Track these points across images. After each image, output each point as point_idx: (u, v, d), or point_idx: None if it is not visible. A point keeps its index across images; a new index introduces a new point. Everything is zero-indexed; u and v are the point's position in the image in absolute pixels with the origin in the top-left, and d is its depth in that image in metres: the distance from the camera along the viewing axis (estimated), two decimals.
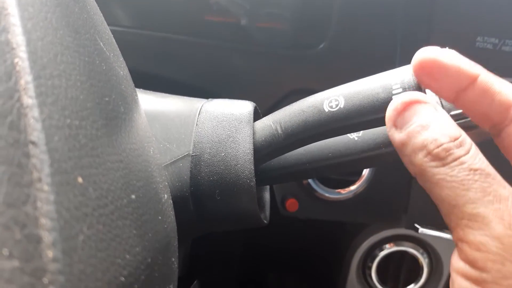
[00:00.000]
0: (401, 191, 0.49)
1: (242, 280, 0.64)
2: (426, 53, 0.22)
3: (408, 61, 0.45)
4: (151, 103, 0.32)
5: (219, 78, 0.45)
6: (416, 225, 0.50)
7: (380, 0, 0.43)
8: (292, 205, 0.46)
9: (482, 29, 0.43)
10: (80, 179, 0.14)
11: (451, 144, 0.19)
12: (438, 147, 0.19)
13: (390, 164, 0.34)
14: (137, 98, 0.25)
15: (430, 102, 0.21)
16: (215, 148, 0.29)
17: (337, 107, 0.27)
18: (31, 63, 0.14)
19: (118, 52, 0.24)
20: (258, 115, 0.32)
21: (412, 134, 0.20)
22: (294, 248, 0.61)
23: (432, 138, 0.19)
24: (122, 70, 0.23)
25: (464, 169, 0.18)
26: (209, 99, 0.32)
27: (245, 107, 0.30)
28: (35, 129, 0.13)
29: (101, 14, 0.25)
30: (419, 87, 0.25)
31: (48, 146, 0.13)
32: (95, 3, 0.24)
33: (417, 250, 0.56)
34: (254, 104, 0.31)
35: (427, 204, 0.50)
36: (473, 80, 0.21)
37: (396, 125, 0.21)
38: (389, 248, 0.56)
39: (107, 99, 0.18)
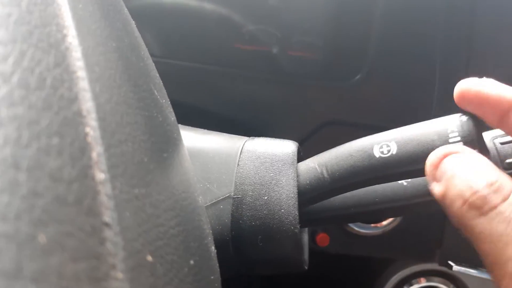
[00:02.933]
0: (435, 226, 0.48)
1: None
2: (466, 84, 0.23)
3: (446, 95, 0.43)
4: (191, 140, 0.31)
5: (251, 109, 0.45)
6: (450, 262, 0.48)
7: (418, 30, 0.42)
8: (322, 239, 0.45)
9: None
10: (149, 257, 0.13)
11: (487, 190, 0.18)
12: (474, 194, 0.18)
13: (440, 212, 0.32)
14: (182, 140, 0.24)
15: (465, 151, 0.21)
16: (257, 191, 0.28)
17: (389, 153, 0.25)
18: (102, 131, 0.13)
19: (166, 95, 0.24)
20: (300, 155, 0.31)
21: (449, 183, 0.20)
22: (318, 282, 0.59)
23: (468, 186, 0.19)
24: (172, 115, 0.23)
25: (502, 220, 0.17)
26: (251, 138, 0.31)
27: (288, 147, 0.29)
28: (108, 209, 0.12)
29: (150, 57, 0.24)
30: (477, 134, 0.24)
31: (121, 225, 0.12)
32: (145, 46, 0.24)
33: (448, 286, 0.54)
34: (297, 144, 0.30)
35: (462, 240, 0.48)
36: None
37: (435, 179, 0.21)
38: (418, 284, 0.54)
39: (165, 155, 0.18)
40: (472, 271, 0.48)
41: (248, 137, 0.31)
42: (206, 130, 0.33)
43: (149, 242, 0.13)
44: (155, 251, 0.13)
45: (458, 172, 0.20)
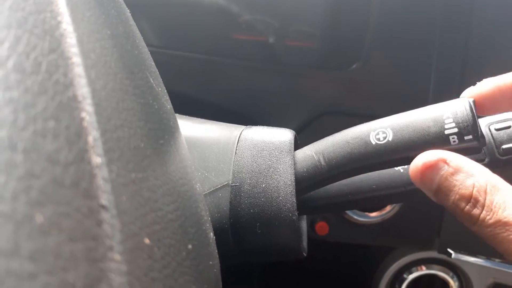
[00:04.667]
0: (434, 214, 0.48)
1: None
2: (486, 84, 0.24)
3: (443, 84, 0.43)
4: (188, 130, 0.31)
5: (248, 99, 0.45)
6: (449, 250, 0.49)
7: (416, 20, 0.42)
8: (322, 228, 0.45)
9: None
10: (147, 240, 0.13)
11: (468, 207, 0.20)
12: (461, 212, 0.21)
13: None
14: (179, 129, 0.24)
15: (438, 160, 0.22)
16: (255, 179, 0.28)
17: (385, 140, 0.26)
18: (97, 116, 0.13)
19: (162, 83, 0.24)
20: (297, 143, 0.31)
21: (440, 201, 0.22)
22: (317, 271, 0.59)
23: (454, 205, 0.21)
24: (168, 103, 0.23)
25: (487, 227, 0.19)
26: (248, 126, 0.31)
27: (285, 135, 0.29)
28: (105, 192, 0.12)
29: (145, 45, 0.24)
30: (473, 120, 0.24)
31: (118, 208, 0.12)
32: (140, 35, 0.24)
33: (447, 274, 0.54)
34: (294, 132, 0.30)
35: (461, 228, 0.48)
36: None
37: (426, 190, 0.23)
38: (418, 271, 0.54)
39: (161, 141, 0.18)
40: (471, 259, 0.48)
41: (245, 126, 0.31)
42: (203, 119, 0.33)
43: (146, 226, 0.13)
44: (153, 234, 0.14)
45: (440, 191, 0.22)
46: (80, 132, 0.12)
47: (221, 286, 0.22)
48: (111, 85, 0.15)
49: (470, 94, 0.25)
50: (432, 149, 0.25)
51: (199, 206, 0.21)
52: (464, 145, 0.24)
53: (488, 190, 0.20)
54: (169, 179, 0.17)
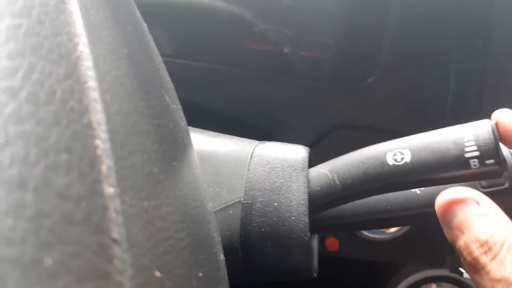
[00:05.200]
0: None
1: None
2: (506, 114, 0.23)
3: (461, 100, 0.43)
4: (200, 143, 0.31)
5: (260, 110, 0.44)
6: (461, 269, 0.48)
7: (434, 33, 0.41)
8: (332, 244, 0.45)
9: None
10: (158, 273, 0.13)
11: (478, 252, 0.19)
12: (469, 254, 0.19)
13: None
14: (192, 145, 0.24)
15: (470, 198, 0.21)
16: (267, 197, 0.27)
17: (403, 161, 0.25)
18: (112, 143, 0.13)
19: (177, 99, 0.23)
20: (311, 160, 0.30)
21: (452, 237, 0.21)
22: (326, 287, 0.59)
23: (465, 245, 0.20)
24: (183, 120, 0.22)
25: (489, 280, 0.18)
26: (261, 142, 0.31)
27: (299, 152, 0.29)
28: (117, 225, 0.11)
29: (161, 60, 0.24)
30: (495, 144, 0.23)
31: (129, 241, 0.12)
32: (156, 49, 0.23)
33: None
34: (308, 149, 0.30)
35: None
36: None
37: (445, 224, 0.22)
38: None
39: (175, 163, 0.17)
40: None
41: (258, 141, 0.31)
42: (216, 133, 0.33)
43: (157, 257, 0.13)
44: (164, 266, 0.13)
45: (460, 226, 0.20)
46: (93, 162, 0.11)
47: None
48: (126, 108, 0.14)
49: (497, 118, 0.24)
50: (451, 172, 0.24)
51: (211, 228, 0.20)
52: (485, 169, 0.23)
53: (506, 245, 0.19)
54: (182, 203, 0.16)
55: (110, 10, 0.17)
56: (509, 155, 0.26)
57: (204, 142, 0.31)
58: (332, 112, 0.44)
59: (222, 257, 0.22)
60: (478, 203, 0.21)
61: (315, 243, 0.32)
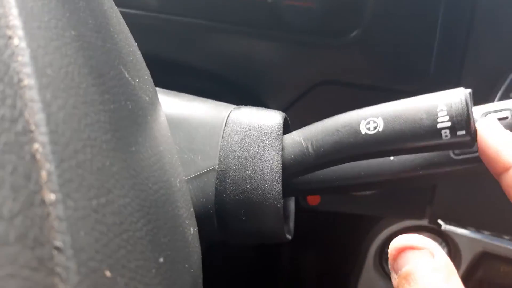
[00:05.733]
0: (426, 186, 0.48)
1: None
2: (482, 125, 0.23)
3: (445, 56, 0.42)
4: (175, 108, 0.30)
5: (242, 66, 0.43)
6: (440, 221, 0.49)
7: None
8: (313, 198, 0.45)
9: None
10: (108, 273, 0.13)
11: None
12: None
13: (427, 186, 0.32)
14: (160, 117, 0.23)
15: (425, 248, 0.19)
16: (241, 165, 0.27)
17: (375, 130, 0.25)
18: (53, 146, 0.12)
19: (143, 70, 0.23)
20: (288, 125, 0.30)
21: (398, 286, 0.19)
22: (308, 240, 0.60)
23: None
24: (147, 94, 0.22)
25: None
26: (236, 107, 0.30)
27: (274, 119, 0.28)
28: (59, 232, 0.11)
29: (125, 24, 0.23)
30: (467, 115, 0.23)
31: (74, 248, 0.12)
32: (118, 16, 0.22)
33: (436, 241, 0.55)
34: (284, 114, 0.29)
35: (452, 200, 0.48)
36: (506, 169, 0.20)
37: (393, 269, 0.20)
38: None
39: (134, 148, 0.17)
40: (461, 230, 0.48)
41: (233, 106, 0.30)
42: (191, 96, 0.32)
43: (108, 256, 0.13)
44: (115, 263, 0.13)
45: (408, 276, 0.19)
46: (30, 172, 0.11)
47: (201, 281, 0.22)
48: (72, 101, 0.14)
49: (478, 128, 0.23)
50: (423, 142, 0.24)
51: (177, 206, 0.20)
52: (456, 140, 0.23)
53: None
54: (140, 190, 0.16)
55: None
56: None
57: (179, 107, 0.30)
58: (315, 67, 0.43)
59: (192, 231, 0.22)
60: (433, 255, 0.19)
61: (291, 205, 0.33)
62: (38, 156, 0.12)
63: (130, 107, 0.18)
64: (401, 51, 0.41)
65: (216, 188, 0.27)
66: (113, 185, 0.14)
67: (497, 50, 0.40)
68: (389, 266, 0.20)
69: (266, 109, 0.30)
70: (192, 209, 0.24)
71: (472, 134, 0.23)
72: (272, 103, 0.45)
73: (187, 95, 0.32)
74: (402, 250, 0.19)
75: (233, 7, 0.42)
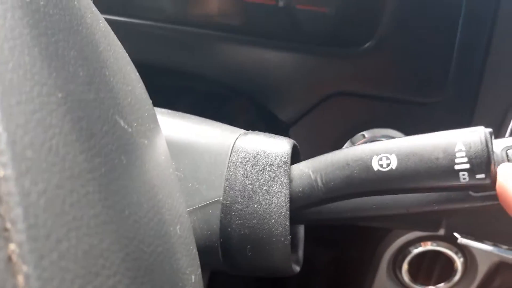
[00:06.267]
0: None
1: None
2: (502, 175, 0.21)
3: (463, 70, 0.39)
4: (179, 132, 0.29)
5: (251, 77, 0.42)
6: (456, 234, 0.48)
7: None
8: None
9: None
10: None
11: None
12: None
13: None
14: (155, 143, 0.22)
15: None
16: (247, 197, 0.26)
17: (389, 168, 0.23)
18: (30, 243, 0.11)
19: (142, 107, 0.21)
20: (297, 152, 0.29)
21: None
22: (321, 247, 0.59)
23: None
24: (146, 136, 0.20)
25: None
26: (243, 133, 0.29)
27: (282, 147, 0.27)
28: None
29: (125, 57, 0.22)
30: (487, 158, 0.21)
31: None
32: (117, 49, 0.21)
33: (452, 250, 0.54)
34: (293, 142, 0.28)
35: (468, 212, 0.47)
36: None
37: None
38: (423, 247, 0.54)
39: (127, 212, 0.16)
40: (477, 244, 0.47)
41: (240, 131, 0.29)
42: (197, 118, 0.31)
43: None
44: None
45: None
46: (5, 279, 0.10)
47: None
48: (55, 181, 0.13)
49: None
50: (439, 183, 0.23)
51: (177, 258, 0.19)
52: (475, 182, 0.22)
53: None
54: (133, 259, 0.15)
55: (41, 45, 0.14)
56: (504, 156, 0.24)
57: (184, 131, 0.29)
58: (328, 78, 0.41)
59: (193, 279, 0.21)
60: None
61: (301, 232, 0.32)
62: (14, 258, 0.11)
63: (124, 162, 0.17)
64: (418, 62, 0.39)
65: (220, 221, 0.26)
66: (101, 267, 0.13)
67: None
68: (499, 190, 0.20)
69: (274, 136, 0.29)
70: (195, 251, 0.23)
71: (492, 178, 0.21)
72: (282, 114, 0.43)
73: (193, 116, 0.31)
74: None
75: (243, 16, 0.41)
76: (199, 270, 0.23)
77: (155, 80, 0.36)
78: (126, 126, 0.18)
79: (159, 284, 0.17)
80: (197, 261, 0.23)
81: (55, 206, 0.12)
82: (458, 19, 0.37)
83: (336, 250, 0.66)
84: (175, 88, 0.46)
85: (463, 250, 0.54)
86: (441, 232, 0.50)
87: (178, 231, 0.21)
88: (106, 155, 0.16)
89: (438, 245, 0.53)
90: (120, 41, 0.23)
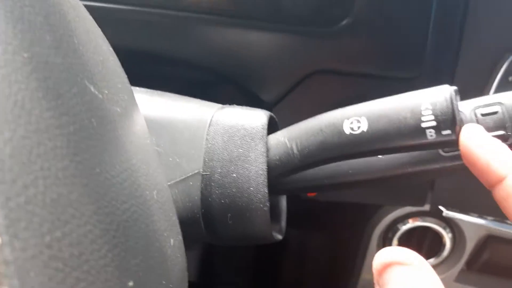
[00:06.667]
0: None
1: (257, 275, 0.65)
2: (465, 136, 0.21)
3: (439, 44, 0.40)
4: (158, 110, 0.29)
5: (232, 58, 0.42)
6: (441, 207, 0.48)
7: None
8: None
9: None
10: None
11: None
12: None
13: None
14: (134, 126, 0.23)
15: (412, 263, 0.18)
16: (226, 168, 0.27)
17: (359, 130, 0.24)
18: None
19: (115, 78, 0.22)
20: (274, 123, 0.29)
21: None
22: (311, 228, 0.60)
23: None
24: (118, 105, 0.21)
25: None
26: (221, 107, 0.29)
27: (259, 119, 0.28)
28: (7, 276, 0.11)
29: (97, 32, 0.22)
30: (452, 114, 0.22)
31: None
32: (88, 22, 0.21)
33: (440, 226, 0.54)
34: (269, 113, 0.29)
35: (453, 186, 0.47)
36: (499, 180, 0.19)
37: (378, 284, 0.19)
38: (412, 223, 0.55)
39: (98, 169, 0.16)
40: (463, 216, 0.48)
41: (218, 106, 0.30)
42: (175, 96, 0.31)
43: None
44: None
45: None
46: None
47: None
48: (21, 132, 0.13)
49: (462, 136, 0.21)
50: (408, 141, 0.23)
51: (153, 220, 0.20)
52: (441, 139, 0.22)
53: None
54: (105, 213, 0.16)
55: (6, 8, 0.15)
56: (473, 116, 0.24)
57: (163, 109, 0.30)
58: (307, 57, 0.42)
59: (172, 242, 0.22)
60: (420, 271, 0.18)
61: (283, 202, 0.32)
62: None
63: (95, 124, 0.17)
64: (394, 37, 0.39)
65: (201, 192, 0.27)
66: (71, 215, 0.14)
67: (494, 32, 0.38)
68: (374, 281, 0.19)
69: (251, 108, 0.29)
70: (174, 218, 0.23)
71: (458, 133, 0.22)
72: (265, 94, 0.44)
73: (171, 94, 0.32)
74: (388, 266, 0.18)
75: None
76: (179, 236, 0.23)
77: (137, 67, 0.36)
78: (96, 92, 0.19)
79: (133, 241, 0.17)
80: (176, 228, 0.23)
81: (22, 155, 0.13)
82: None
83: (327, 232, 0.67)
84: (158, 75, 0.46)
85: (451, 225, 0.54)
86: (427, 207, 0.51)
87: (155, 196, 0.21)
88: (74, 115, 0.16)
89: (426, 221, 0.54)
90: (101, 27, 0.24)
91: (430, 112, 0.22)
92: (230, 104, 0.31)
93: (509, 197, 0.18)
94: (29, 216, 0.12)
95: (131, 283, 0.16)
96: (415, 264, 0.18)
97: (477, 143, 0.20)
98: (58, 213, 0.13)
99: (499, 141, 0.20)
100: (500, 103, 0.23)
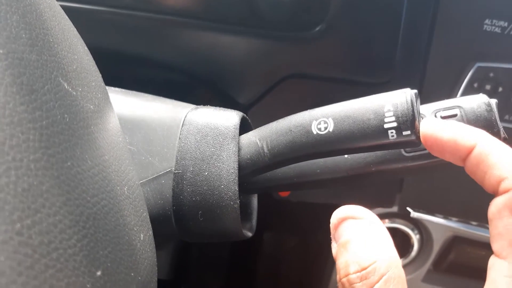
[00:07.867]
0: None
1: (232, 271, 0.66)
2: (426, 127, 0.22)
3: (409, 50, 0.42)
4: (132, 109, 0.30)
5: (208, 61, 0.43)
6: (408, 209, 0.50)
7: None
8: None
9: (491, 12, 0.40)
10: None
11: (355, 276, 0.18)
12: (345, 276, 0.18)
13: (378, 184, 0.32)
14: (107, 124, 0.23)
15: (364, 217, 0.20)
16: (198, 166, 0.27)
17: (326, 130, 0.25)
18: None
19: (90, 77, 0.22)
20: (247, 124, 0.30)
21: (336, 254, 0.20)
22: (283, 228, 0.61)
23: (345, 263, 0.19)
24: (91, 102, 0.22)
25: None
26: (194, 107, 0.30)
27: (231, 119, 0.29)
28: None
29: (72, 31, 0.23)
30: (412, 116, 0.23)
31: None
32: (63, 22, 0.22)
33: (408, 227, 0.56)
34: (242, 114, 0.29)
35: (420, 188, 0.49)
36: (469, 151, 0.20)
37: (334, 238, 0.21)
38: None
39: (69, 163, 0.17)
40: (429, 217, 0.49)
41: (192, 106, 0.30)
42: (150, 96, 0.32)
43: (33, 277, 0.13)
44: (42, 284, 0.13)
45: (345, 243, 0.19)
46: None
47: (153, 285, 0.22)
48: None
49: (422, 132, 0.23)
50: (371, 142, 0.24)
51: (124, 214, 0.20)
52: (402, 139, 0.24)
53: (384, 277, 0.17)
54: (76, 205, 0.16)
55: None
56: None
57: (137, 108, 0.30)
58: (282, 61, 0.43)
59: (142, 237, 0.22)
60: (371, 224, 0.20)
61: (254, 201, 0.33)
62: None
63: (67, 120, 0.18)
64: (366, 44, 0.41)
65: (173, 190, 0.28)
66: (41, 205, 0.15)
67: (461, 41, 0.40)
68: (331, 236, 0.21)
69: (224, 109, 0.30)
70: (145, 214, 0.24)
71: (417, 134, 0.23)
72: (240, 97, 0.45)
73: (146, 94, 0.32)
74: (342, 220, 0.20)
75: (200, 1, 0.42)
76: (150, 232, 0.24)
77: (112, 68, 0.37)
78: (70, 89, 0.19)
79: (102, 233, 0.18)
80: (147, 223, 0.24)
81: None
82: (403, 2, 0.40)
83: (301, 235, 0.68)
84: (133, 77, 0.46)
85: (419, 227, 0.56)
86: (395, 209, 0.53)
87: (126, 192, 0.22)
88: (47, 110, 0.17)
89: (394, 222, 0.56)
90: (76, 28, 0.24)
91: (392, 113, 0.23)
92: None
93: (480, 163, 0.20)
94: (0, 204, 0.13)
95: (99, 273, 0.17)
96: (366, 218, 0.20)
97: (439, 128, 0.22)
98: (29, 202, 0.14)
99: (457, 121, 0.22)
100: (459, 107, 0.25)
